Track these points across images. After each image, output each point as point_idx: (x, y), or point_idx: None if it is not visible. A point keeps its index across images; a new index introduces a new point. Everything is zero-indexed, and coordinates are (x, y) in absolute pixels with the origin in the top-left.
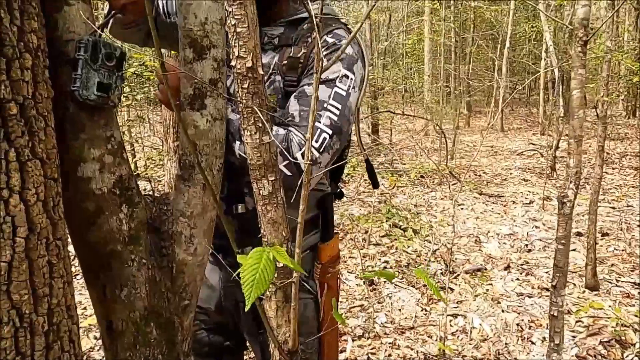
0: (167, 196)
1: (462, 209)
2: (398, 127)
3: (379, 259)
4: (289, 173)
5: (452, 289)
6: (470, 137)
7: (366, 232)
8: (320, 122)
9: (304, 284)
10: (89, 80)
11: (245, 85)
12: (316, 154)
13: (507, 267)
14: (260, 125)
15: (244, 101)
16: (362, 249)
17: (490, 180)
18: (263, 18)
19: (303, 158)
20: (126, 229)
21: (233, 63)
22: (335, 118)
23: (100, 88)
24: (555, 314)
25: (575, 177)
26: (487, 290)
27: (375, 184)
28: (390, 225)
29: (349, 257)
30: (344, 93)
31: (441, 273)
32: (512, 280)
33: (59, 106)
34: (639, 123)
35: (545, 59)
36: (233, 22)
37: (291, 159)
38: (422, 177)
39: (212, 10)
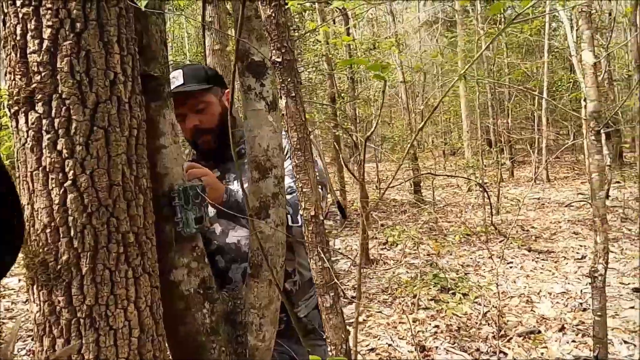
0: (239, 291)
1: (511, 267)
2: (440, 184)
3: (429, 324)
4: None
5: (505, 354)
6: (516, 190)
7: (415, 296)
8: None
9: (321, 332)
10: (187, 219)
11: (310, 228)
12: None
13: (562, 328)
14: (322, 255)
15: (309, 239)
16: (411, 314)
17: (539, 235)
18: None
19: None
20: (208, 322)
21: (301, 212)
22: (318, 177)
23: (197, 222)
24: None
25: (603, 253)
26: (542, 354)
27: (343, 215)
28: (438, 289)
29: (399, 323)
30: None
31: (493, 337)
32: (568, 343)
33: (158, 228)
34: None
35: (585, 107)
36: (300, 185)
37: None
38: (468, 235)
39: (272, 139)
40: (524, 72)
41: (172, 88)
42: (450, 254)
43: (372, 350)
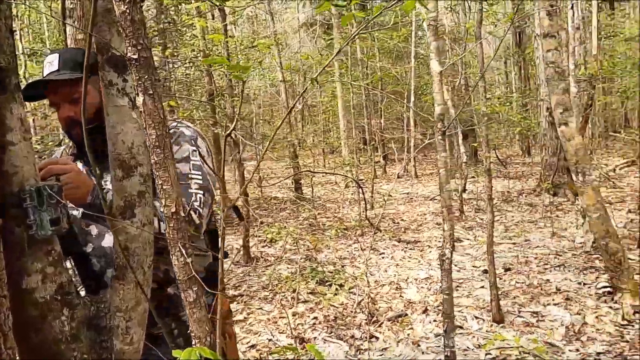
0: (104, 295)
1: (383, 257)
2: (320, 181)
3: (308, 316)
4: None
5: (377, 338)
6: (388, 186)
7: (294, 291)
8: (192, 189)
9: None
10: (42, 220)
11: (172, 224)
12: (199, 209)
13: (425, 310)
14: (183, 252)
15: (171, 235)
16: (291, 308)
17: (407, 226)
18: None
19: (195, 214)
20: (68, 329)
21: (161, 209)
22: (201, 181)
23: (53, 223)
24: (449, 354)
25: (449, 239)
26: (408, 334)
27: (240, 218)
28: (316, 281)
29: (280, 317)
30: (199, 163)
31: (366, 323)
32: (430, 322)
33: (6, 230)
34: (532, 161)
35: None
36: (160, 182)
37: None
38: (344, 229)
39: (137, 136)
40: (394, 75)
41: (44, 74)
42: (329, 248)
43: (252, 347)
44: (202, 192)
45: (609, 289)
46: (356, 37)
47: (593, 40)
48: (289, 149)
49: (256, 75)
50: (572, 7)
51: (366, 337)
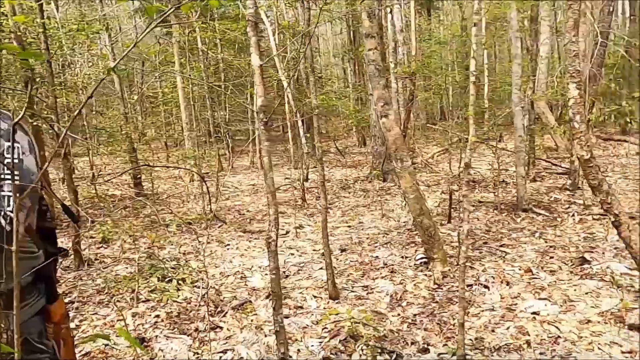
0: None
1: (228, 249)
2: (162, 176)
3: (149, 315)
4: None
5: (221, 327)
6: (234, 178)
7: (133, 291)
8: (4, 190)
9: (39, 345)
10: None
11: None
12: (10, 215)
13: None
14: None
15: None
16: (130, 309)
17: (253, 217)
18: None
19: (5, 220)
20: None
21: None
22: (17, 181)
23: None
24: (278, 329)
25: (275, 222)
26: (252, 320)
27: (73, 220)
28: (157, 278)
29: (118, 320)
30: (16, 160)
31: (210, 314)
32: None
33: None
34: (367, 151)
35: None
36: None
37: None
38: (189, 223)
39: None
40: (237, 67)
41: None
42: (172, 244)
43: (86, 354)
44: (17, 194)
45: (424, 260)
46: (196, 27)
47: (412, 41)
48: (126, 142)
49: (84, 62)
50: (390, 12)
51: (211, 328)
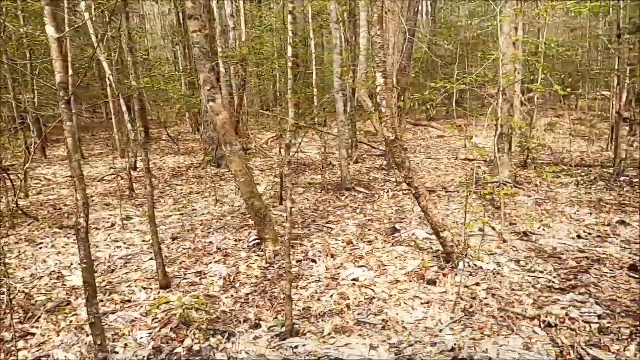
0: None
1: (40, 247)
2: None
3: None
4: None
5: (32, 334)
6: (49, 170)
7: None
8: None
9: None
10: None
11: None
12: None
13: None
14: None
15: None
16: None
17: (71, 211)
18: None
19: None
20: None
21: None
22: None
23: None
24: (93, 320)
25: (84, 208)
26: (71, 321)
27: None
28: None
29: None
30: None
31: (19, 321)
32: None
33: None
34: (201, 137)
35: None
36: None
37: None
38: None
39: None
40: (46, 43)
41: None
42: None
43: None
44: None
45: (257, 241)
46: None
47: (242, 27)
48: None
49: None
50: None
51: (17, 337)
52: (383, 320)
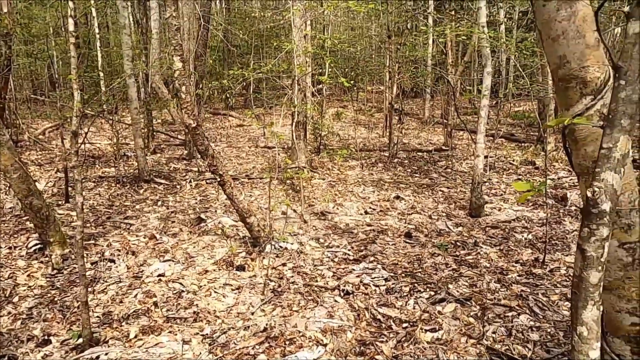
0: None
1: None
2: None
3: None
4: None
5: None
6: None
7: None
8: None
9: None
10: None
11: None
12: None
13: None
14: None
15: None
16: None
17: None
18: None
19: None
20: None
21: None
22: None
23: None
24: None
25: None
26: None
27: None
28: None
29: None
30: None
31: None
32: None
33: None
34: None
35: None
36: None
37: None
38: None
39: None
40: None
41: None
42: None
43: None
44: None
45: (39, 246)
46: None
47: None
48: None
49: None
50: None
51: None
52: (194, 312)
